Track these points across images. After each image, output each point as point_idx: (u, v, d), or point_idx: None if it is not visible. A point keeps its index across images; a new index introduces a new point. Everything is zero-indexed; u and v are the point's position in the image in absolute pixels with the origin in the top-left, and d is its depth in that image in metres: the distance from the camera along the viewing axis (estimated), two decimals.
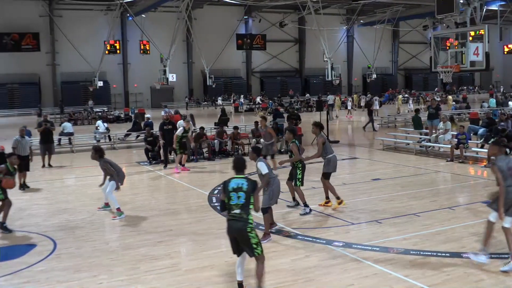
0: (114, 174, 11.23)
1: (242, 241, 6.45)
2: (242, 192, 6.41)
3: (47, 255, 8.60)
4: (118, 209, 11.07)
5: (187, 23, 45.20)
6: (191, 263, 8.11)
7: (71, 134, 23.78)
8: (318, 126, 11.21)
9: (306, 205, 10.63)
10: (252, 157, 8.88)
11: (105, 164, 11.29)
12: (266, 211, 8.95)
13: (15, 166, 10.70)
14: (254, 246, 6.40)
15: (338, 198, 11.10)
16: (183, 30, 48.24)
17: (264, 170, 8.74)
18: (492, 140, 16.78)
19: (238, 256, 6.68)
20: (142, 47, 52.02)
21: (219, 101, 52.76)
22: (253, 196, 6.49)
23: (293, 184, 10.69)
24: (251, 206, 6.45)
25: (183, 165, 16.78)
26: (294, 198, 11.15)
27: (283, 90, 60.98)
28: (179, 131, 16.77)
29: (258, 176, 8.90)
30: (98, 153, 11.38)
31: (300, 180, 10.54)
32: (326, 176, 11.08)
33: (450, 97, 45.69)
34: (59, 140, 23.63)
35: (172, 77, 41.96)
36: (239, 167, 6.77)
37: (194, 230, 9.90)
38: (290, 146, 10.57)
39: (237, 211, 6.38)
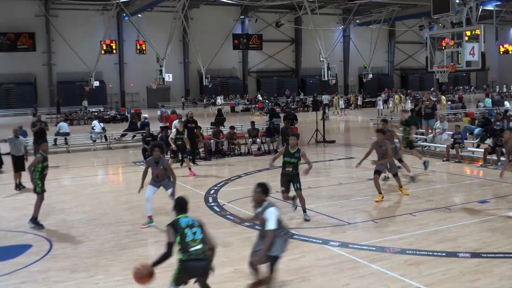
0: (174, 176, 10.32)
1: (201, 281, 5.89)
2: (196, 227, 5.82)
3: (43, 255, 8.58)
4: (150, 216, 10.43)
5: (184, 23, 45.18)
6: None
7: (67, 134, 23.72)
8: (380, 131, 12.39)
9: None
10: (259, 198, 6.40)
11: (167, 164, 10.35)
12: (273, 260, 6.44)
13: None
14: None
15: (380, 193, 11.66)
16: (179, 30, 48.24)
17: (272, 224, 6.19)
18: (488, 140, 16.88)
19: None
20: (138, 47, 52.03)
21: (219, 101, 51.44)
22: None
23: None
24: None
25: (190, 169, 15.94)
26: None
27: (280, 90, 60.99)
28: (172, 133, 16.23)
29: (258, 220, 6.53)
30: (164, 151, 10.22)
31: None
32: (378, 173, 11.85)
33: (443, 97, 45.57)
34: (55, 140, 23.59)
35: (168, 77, 41.95)
36: (183, 207, 6.14)
37: None
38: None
39: (198, 246, 5.72)
